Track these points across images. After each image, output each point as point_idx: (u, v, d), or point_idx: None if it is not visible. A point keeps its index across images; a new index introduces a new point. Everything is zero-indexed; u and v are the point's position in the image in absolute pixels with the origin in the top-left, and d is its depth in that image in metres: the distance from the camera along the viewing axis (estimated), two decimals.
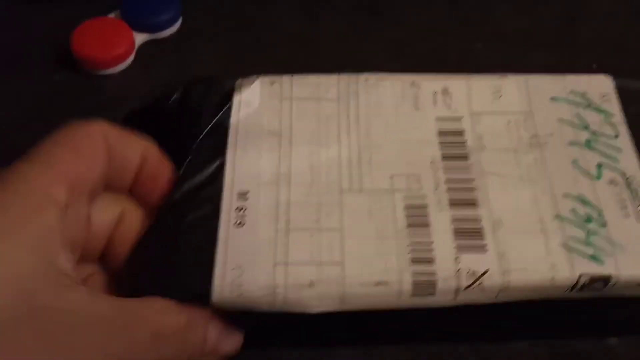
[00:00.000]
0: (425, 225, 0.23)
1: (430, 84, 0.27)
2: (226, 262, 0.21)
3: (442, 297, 0.22)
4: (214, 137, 0.25)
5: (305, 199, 0.23)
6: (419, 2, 0.36)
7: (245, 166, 0.24)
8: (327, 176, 0.24)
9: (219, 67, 0.32)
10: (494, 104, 0.26)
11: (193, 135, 0.25)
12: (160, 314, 0.20)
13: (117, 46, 0.32)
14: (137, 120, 0.25)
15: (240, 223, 0.23)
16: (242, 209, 0.23)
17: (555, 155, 0.25)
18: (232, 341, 0.22)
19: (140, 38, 0.33)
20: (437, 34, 0.35)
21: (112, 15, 0.33)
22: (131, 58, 0.33)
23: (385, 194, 0.23)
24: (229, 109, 0.25)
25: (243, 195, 0.23)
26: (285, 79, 0.26)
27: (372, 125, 0.25)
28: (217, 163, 0.24)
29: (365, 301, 0.21)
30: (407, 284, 0.21)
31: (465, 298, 0.22)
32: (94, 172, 0.21)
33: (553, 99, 0.26)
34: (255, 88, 0.26)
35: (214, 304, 0.21)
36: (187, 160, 0.24)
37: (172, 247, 0.22)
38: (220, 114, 0.25)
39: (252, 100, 0.26)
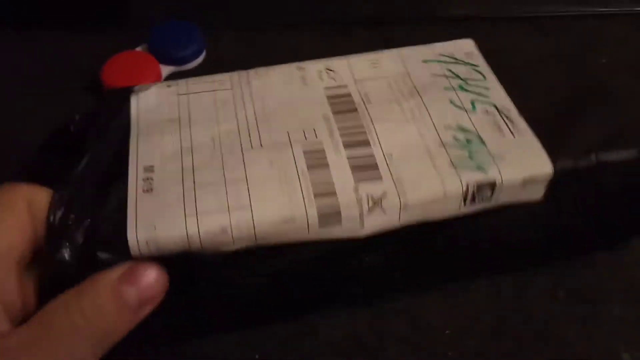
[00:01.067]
0: (324, 165, 0.24)
1: (314, 65, 0.29)
2: (138, 223, 0.22)
3: (348, 225, 0.23)
4: (115, 133, 0.26)
5: (209, 161, 0.25)
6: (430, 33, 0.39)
7: (149, 147, 0.25)
8: (228, 141, 0.25)
9: None
10: (374, 71, 0.29)
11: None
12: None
13: (144, 78, 0.33)
14: (49, 148, 0.27)
15: (147, 190, 0.24)
16: (148, 178, 0.24)
17: (433, 99, 0.27)
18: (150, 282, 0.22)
19: (166, 70, 0.35)
20: None
21: (140, 49, 0.35)
22: None
23: (284, 146, 0.25)
24: (128, 109, 0.27)
25: (149, 168, 0.24)
26: (181, 81, 0.29)
27: (265, 101, 0.27)
28: (121, 152, 0.25)
29: (277, 237, 0.22)
30: (312, 217, 0.23)
31: (371, 224, 0.23)
32: (18, 244, 0.22)
33: (425, 61, 0.29)
34: (152, 90, 0.28)
35: (132, 248, 0.22)
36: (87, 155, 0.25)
37: (86, 221, 0.22)
38: (120, 113, 0.27)
39: (150, 99, 0.28)
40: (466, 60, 0.29)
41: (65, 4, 0.36)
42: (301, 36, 0.38)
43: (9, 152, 0.28)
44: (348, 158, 0.25)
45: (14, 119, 0.31)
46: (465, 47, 0.30)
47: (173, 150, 0.25)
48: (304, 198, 0.23)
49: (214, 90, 0.28)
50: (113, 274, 0.21)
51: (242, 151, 0.25)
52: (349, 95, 0.28)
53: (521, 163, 0.24)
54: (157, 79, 0.34)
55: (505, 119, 0.26)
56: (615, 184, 0.26)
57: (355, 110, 0.27)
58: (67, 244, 0.22)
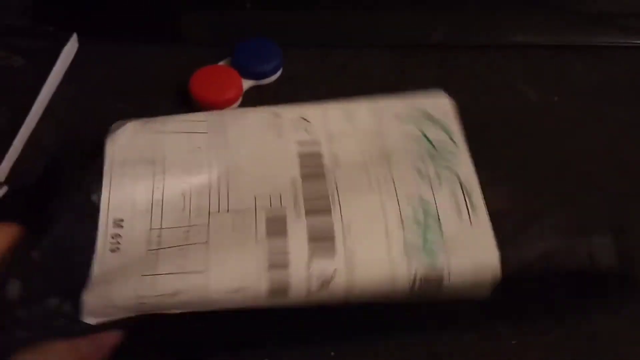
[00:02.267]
0: (283, 233, 0.25)
1: (289, 112, 0.30)
2: (98, 281, 0.24)
3: (295, 298, 0.24)
4: (89, 174, 0.27)
5: (176, 223, 0.26)
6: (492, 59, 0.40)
7: (121, 194, 0.26)
8: (197, 200, 0.27)
9: None
10: (347, 125, 0.29)
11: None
12: None
13: (227, 90, 0.36)
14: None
15: (114, 250, 0.25)
16: (116, 235, 0.25)
17: (401, 166, 0.28)
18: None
19: (247, 84, 0.38)
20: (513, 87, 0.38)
21: (223, 63, 0.38)
22: (239, 101, 0.37)
23: (248, 212, 0.26)
24: (102, 148, 0.28)
25: (118, 223, 0.26)
26: (158, 119, 0.29)
27: (239, 153, 0.28)
28: (94, 195, 0.26)
29: (226, 304, 0.24)
30: (262, 288, 0.24)
31: (317, 299, 0.24)
32: None
33: (399, 117, 0.30)
34: (128, 128, 0.29)
35: (86, 316, 0.23)
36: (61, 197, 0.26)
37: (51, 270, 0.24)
38: (95, 154, 0.28)
39: (126, 137, 0.28)
40: (442, 121, 0.30)
41: (156, 23, 0.40)
42: (371, 57, 0.40)
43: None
44: (308, 227, 0.26)
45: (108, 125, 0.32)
46: (441, 104, 0.30)
47: (145, 202, 0.26)
48: (258, 268, 0.24)
49: (189, 133, 0.29)
50: None
51: (209, 214, 0.26)
52: (319, 155, 0.28)
53: (472, 259, 0.25)
54: (238, 91, 0.37)
55: (467, 201, 0.27)
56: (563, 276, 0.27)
57: (323, 175, 0.27)
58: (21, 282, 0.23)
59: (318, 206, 0.26)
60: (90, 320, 0.23)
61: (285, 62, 0.39)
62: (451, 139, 0.29)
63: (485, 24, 0.41)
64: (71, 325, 0.23)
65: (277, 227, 0.26)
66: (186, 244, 0.25)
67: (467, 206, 0.27)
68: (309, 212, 0.26)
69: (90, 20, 0.40)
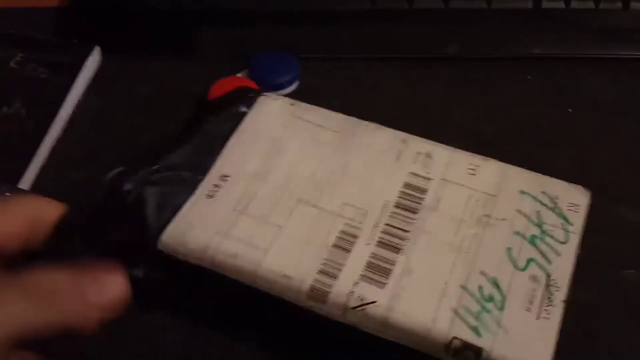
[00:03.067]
0: (347, 250, 0.26)
1: (417, 145, 0.30)
2: (185, 217, 0.27)
3: (332, 309, 0.25)
4: (229, 124, 0.31)
5: (268, 197, 0.28)
6: (511, 72, 0.40)
7: (239, 155, 0.29)
8: (295, 186, 0.28)
9: None
10: (466, 178, 0.29)
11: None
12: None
13: None
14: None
15: (210, 196, 0.28)
16: (218, 186, 0.28)
17: (494, 237, 0.27)
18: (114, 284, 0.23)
19: None
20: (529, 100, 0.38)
21: (241, 75, 0.40)
22: None
23: (330, 215, 0.27)
24: (249, 109, 0.31)
25: (224, 177, 0.29)
26: (303, 104, 0.32)
27: (354, 160, 0.29)
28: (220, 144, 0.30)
29: (270, 286, 0.26)
30: (306, 285, 0.25)
31: (352, 318, 0.25)
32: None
33: (522, 192, 0.28)
34: (276, 102, 0.32)
35: (162, 242, 0.27)
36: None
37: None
38: (239, 111, 0.31)
39: (269, 109, 0.31)
40: (563, 213, 0.28)
41: (176, 38, 0.42)
42: (385, 70, 0.40)
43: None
44: (372, 254, 0.26)
45: (135, 133, 0.36)
46: (575, 196, 0.28)
47: (253, 168, 0.29)
48: (310, 267, 0.26)
49: (322, 127, 0.31)
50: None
51: (297, 201, 0.28)
52: (423, 191, 0.28)
53: (521, 349, 0.24)
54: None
55: (546, 296, 0.25)
56: None
57: (415, 212, 0.27)
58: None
59: (391, 241, 0.27)
60: (163, 248, 0.27)
61: (302, 74, 0.38)
62: (565, 234, 0.27)
63: (500, 37, 0.41)
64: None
65: (345, 242, 0.26)
66: (264, 221, 0.27)
67: (541, 302, 0.25)
68: (380, 243, 0.26)
69: (113, 35, 0.41)
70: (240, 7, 0.41)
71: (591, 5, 0.41)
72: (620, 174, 0.34)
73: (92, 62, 0.39)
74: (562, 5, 0.41)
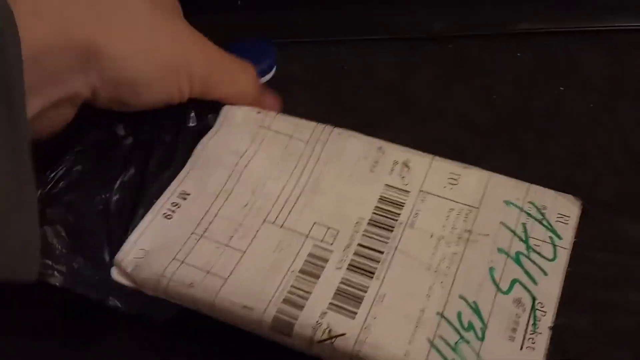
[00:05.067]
0: (316, 276, 0.24)
1: (394, 153, 0.28)
2: (137, 241, 0.25)
3: (297, 341, 0.23)
4: (187, 143, 0.28)
5: (231, 217, 0.26)
6: (501, 50, 0.38)
7: (199, 172, 0.27)
8: (261, 203, 0.26)
9: (312, 114, 0.30)
10: (446, 190, 0.26)
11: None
12: None
13: None
14: None
15: (168, 216, 0.26)
16: (176, 205, 0.26)
17: (476, 256, 0.24)
18: None
19: None
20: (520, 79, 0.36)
21: None
22: None
23: (299, 237, 0.25)
24: (210, 122, 0.29)
25: (183, 195, 0.27)
26: (270, 113, 0.29)
27: (325, 172, 0.27)
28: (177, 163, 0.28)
29: (230, 317, 0.24)
30: (268, 317, 0.23)
31: (319, 351, 0.23)
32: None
33: (507, 202, 0.26)
34: (241, 111, 0.29)
35: (114, 273, 0.25)
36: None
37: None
38: (199, 125, 0.29)
39: (234, 119, 0.29)
40: (552, 225, 0.25)
41: None
42: (371, 52, 0.37)
43: None
44: (343, 279, 0.24)
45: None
46: (565, 207, 0.26)
47: (213, 190, 0.27)
48: (273, 297, 0.24)
49: (291, 136, 0.28)
50: None
51: (263, 222, 0.26)
52: (401, 205, 0.26)
53: None
54: None
55: (531, 323, 0.23)
56: None
57: (392, 229, 0.25)
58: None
59: (364, 265, 0.24)
60: (118, 278, 0.25)
61: (280, 60, 0.36)
62: (553, 249, 0.25)
63: (489, 13, 0.38)
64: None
65: (313, 266, 0.24)
66: (225, 245, 0.25)
67: (526, 330, 0.23)
68: (351, 267, 0.24)
69: None
70: None
71: None
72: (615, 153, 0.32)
73: None
74: None
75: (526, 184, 0.26)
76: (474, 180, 0.27)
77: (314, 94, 0.33)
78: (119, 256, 0.25)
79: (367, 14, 0.39)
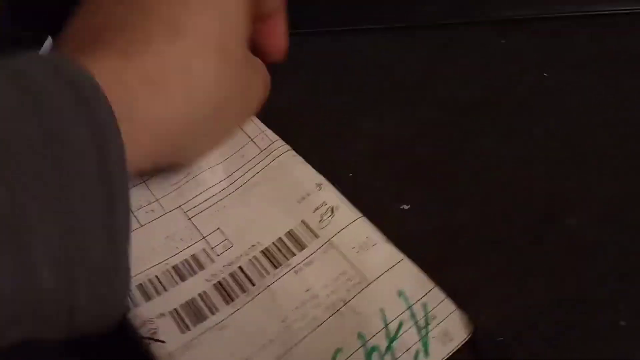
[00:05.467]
0: (183, 278, 0.24)
1: (329, 195, 0.26)
2: None
3: (127, 327, 0.24)
4: None
5: (154, 190, 0.27)
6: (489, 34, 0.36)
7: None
8: (186, 189, 0.27)
9: (296, 98, 0.32)
10: (353, 250, 0.25)
11: None
12: None
13: None
14: None
15: None
16: None
17: (331, 332, 0.23)
18: None
19: None
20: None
21: None
22: None
23: (196, 235, 0.26)
24: None
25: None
26: None
27: (259, 186, 0.27)
28: None
29: None
30: None
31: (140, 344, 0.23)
32: None
33: (400, 293, 0.23)
34: None
35: None
36: None
37: None
38: None
39: None
40: (428, 339, 0.22)
41: None
42: (356, 38, 0.36)
43: None
44: (201, 292, 0.24)
45: None
46: (454, 326, 0.23)
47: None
48: (135, 277, 0.24)
49: (251, 139, 0.28)
50: None
51: (177, 207, 0.26)
52: (301, 247, 0.25)
53: None
54: None
55: None
56: None
57: (277, 267, 0.25)
58: None
59: (230, 288, 0.24)
60: None
61: None
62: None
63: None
64: None
65: (188, 268, 0.25)
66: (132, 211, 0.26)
67: None
68: (218, 285, 0.24)
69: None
70: None
71: None
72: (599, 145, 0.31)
73: (45, 52, 0.35)
74: None
75: (432, 285, 0.24)
76: (384, 255, 0.25)
77: (298, 78, 0.32)
78: None
79: (352, 1, 0.37)
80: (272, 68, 0.30)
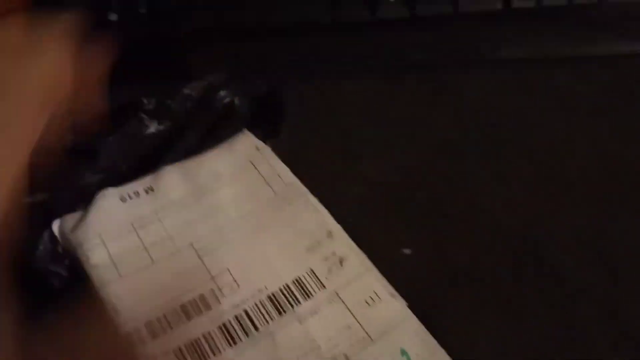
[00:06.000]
0: (189, 318, 0.25)
1: (339, 244, 0.27)
2: (86, 211, 0.28)
3: None
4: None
5: (169, 227, 0.28)
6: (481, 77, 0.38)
7: (179, 175, 0.29)
8: (201, 228, 0.28)
9: (290, 143, 0.33)
10: (359, 305, 0.25)
11: None
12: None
13: None
14: None
15: (123, 200, 0.28)
16: (137, 194, 0.28)
17: None
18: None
19: None
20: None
21: None
22: None
23: (205, 274, 0.26)
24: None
25: (149, 189, 0.29)
26: (269, 151, 0.30)
27: (273, 229, 0.28)
28: None
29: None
30: (125, 330, 0.25)
31: None
32: None
33: (403, 351, 0.24)
34: (247, 138, 0.30)
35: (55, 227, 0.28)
36: None
37: None
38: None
39: (235, 144, 0.30)
40: None
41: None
42: (349, 81, 0.37)
43: None
44: (206, 333, 0.24)
45: None
46: None
47: (176, 196, 0.29)
48: (142, 315, 0.25)
49: (267, 184, 0.29)
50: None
51: (189, 245, 0.27)
52: (308, 296, 0.25)
53: None
54: None
55: None
56: None
57: (282, 314, 0.25)
58: None
59: (234, 332, 0.25)
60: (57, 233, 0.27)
61: None
62: None
63: (469, 41, 0.38)
64: None
65: (194, 308, 0.25)
66: (144, 248, 0.27)
67: None
68: (223, 327, 0.25)
69: None
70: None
71: (563, 1, 0.37)
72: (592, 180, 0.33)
73: None
74: (533, 4, 0.38)
75: (436, 345, 0.24)
76: (389, 312, 0.25)
77: (293, 123, 0.32)
78: (66, 217, 0.28)
79: (344, 44, 0.37)
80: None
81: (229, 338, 0.24)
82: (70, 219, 0.27)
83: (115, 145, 0.28)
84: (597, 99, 0.37)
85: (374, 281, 0.26)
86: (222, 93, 0.31)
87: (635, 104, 0.36)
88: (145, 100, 0.29)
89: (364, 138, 0.34)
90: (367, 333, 0.24)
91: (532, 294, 0.28)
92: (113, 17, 0.35)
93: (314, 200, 0.28)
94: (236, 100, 0.31)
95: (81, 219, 0.27)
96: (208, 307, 0.25)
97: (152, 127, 0.29)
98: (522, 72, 0.38)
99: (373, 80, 0.37)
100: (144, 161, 0.29)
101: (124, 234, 0.27)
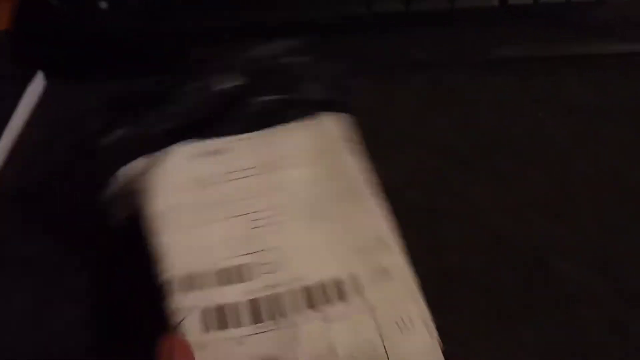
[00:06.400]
0: (228, 283, 0.25)
1: (388, 255, 0.26)
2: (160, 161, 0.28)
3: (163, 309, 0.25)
4: None
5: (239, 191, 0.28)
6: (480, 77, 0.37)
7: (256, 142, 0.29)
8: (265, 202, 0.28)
9: None
10: (390, 326, 0.24)
11: None
12: None
13: None
14: None
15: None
16: (210, 154, 0.29)
17: None
18: None
19: None
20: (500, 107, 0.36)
21: None
22: None
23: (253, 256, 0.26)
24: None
25: (220, 151, 0.29)
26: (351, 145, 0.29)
27: (340, 218, 0.27)
28: None
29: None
30: (169, 276, 0.25)
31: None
32: None
33: None
34: (336, 122, 0.30)
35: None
36: None
37: None
38: None
39: (323, 125, 0.30)
40: None
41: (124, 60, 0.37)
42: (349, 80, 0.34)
43: None
44: (233, 302, 0.24)
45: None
46: None
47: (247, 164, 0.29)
48: (203, 263, 0.25)
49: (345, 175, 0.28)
50: None
51: (252, 221, 0.27)
52: (342, 298, 0.25)
53: None
54: None
55: None
56: None
57: (315, 309, 0.24)
58: None
59: (260, 311, 0.24)
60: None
61: None
62: None
63: (465, 39, 0.37)
64: None
65: (230, 276, 0.25)
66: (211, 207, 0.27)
67: None
68: (252, 302, 0.24)
69: (59, 60, 0.37)
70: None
71: None
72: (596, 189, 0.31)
73: (34, 89, 0.36)
74: (530, 0, 0.37)
75: None
76: (418, 343, 0.24)
77: None
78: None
79: (345, 42, 0.37)
80: None
81: (253, 315, 0.24)
82: (140, 164, 0.28)
83: (191, 96, 0.29)
84: (597, 99, 0.36)
85: (413, 305, 0.24)
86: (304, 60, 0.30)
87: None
88: (227, 57, 0.29)
89: (358, 135, 0.32)
90: (387, 358, 0.23)
91: (533, 302, 0.27)
92: (103, 5, 0.36)
93: (376, 203, 0.27)
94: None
95: (150, 166, 0.28)
96: (242, 279, 0.25)
97: (230, 83, 0.29)
98: (522, 72, 0.37)
99: (369, 79, 0.36)
100: (217, 117, 0.29)
101: (187, 189, 0.27)
